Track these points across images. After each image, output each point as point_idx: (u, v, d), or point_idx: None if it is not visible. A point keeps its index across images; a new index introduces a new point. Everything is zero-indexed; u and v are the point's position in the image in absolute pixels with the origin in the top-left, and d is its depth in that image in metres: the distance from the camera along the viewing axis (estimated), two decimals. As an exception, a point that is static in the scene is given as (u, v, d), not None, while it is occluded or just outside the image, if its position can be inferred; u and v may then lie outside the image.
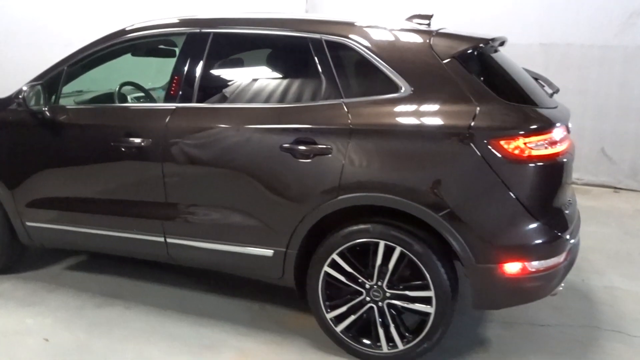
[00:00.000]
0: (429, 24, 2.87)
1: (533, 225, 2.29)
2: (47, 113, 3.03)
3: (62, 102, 3.15)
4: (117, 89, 3.36)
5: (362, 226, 2.47)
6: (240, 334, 2.82)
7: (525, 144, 2.25)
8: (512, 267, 2.30)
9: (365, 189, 2.41)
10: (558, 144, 2.36)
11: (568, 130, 2.56)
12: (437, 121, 2.35)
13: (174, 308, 3.10)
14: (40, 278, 3.48)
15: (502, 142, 2.24)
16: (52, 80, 3.10)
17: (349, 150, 2.42)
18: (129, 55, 3.29)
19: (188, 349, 2.69)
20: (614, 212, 5.16)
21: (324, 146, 2.46)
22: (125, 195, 2.97)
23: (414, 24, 2.75)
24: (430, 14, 2.94)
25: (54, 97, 3.11)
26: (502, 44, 2.82)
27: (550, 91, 2.95)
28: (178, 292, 3.30)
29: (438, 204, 2.30)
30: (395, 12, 6.79)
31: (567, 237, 2.41)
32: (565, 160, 2.42)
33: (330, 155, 2.45)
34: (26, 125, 3.13)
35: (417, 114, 2.39)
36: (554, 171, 2.37)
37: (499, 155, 2.24)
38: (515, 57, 6.30)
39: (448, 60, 2.41)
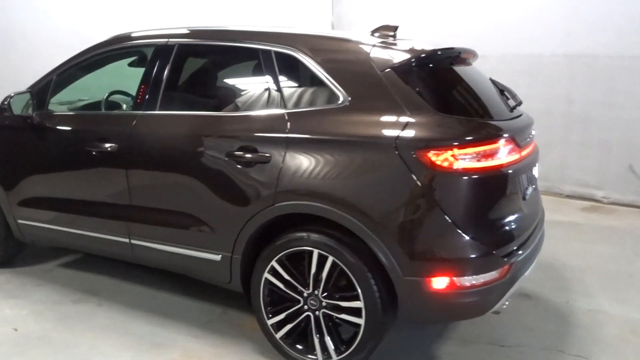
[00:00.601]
0: (394, 36, 2.86)
1: (460, 240, 2.22)
2: (34, 119, 3.27)
3: (52, 109, 3.38)
4: (105, 97, 3.56)
5: (298, 234, 2.49)
6: (191, 335, 2.90)
7: (453, 155, 2.19)
8: (439, 282, 2.24)
9: (298, 197, 2.43)
10: (497, 156, 2.28)
11: (521, 142, 2.47)
12: (367, 131, 2.34)
13: (142, 307, 3.23)
14: (33, 273, 3.72)
15: (429, 154, 2.20)
16: (42, 89, 3.35)
17: (286, 159, 2.46)
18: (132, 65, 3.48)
19: (138, 346, 2.80)
20: (633, 233, 4.85)
21: (264, 154, 2.51)
22: (97, 197, 3.14)
23: (362, 36, 2.73)
24: (396, 25, 2.92)
25: (43, 104, 3.34)
26: (458, 55, 2.74)
27: (513, 103, 2.86)
28: (151, 292, 3.43)
29: (364, 214, 2.29)
30: (417, 21, 6.78)
31: (504, 253, 2.32)
32: (509, 172, 2.35)
33: (269, 163, 2.50)
34: (17, 130, 3.39)
35: (350, 124, 2.39)
36: (488, 184, 2.29)
37: (426, 166, 2.20)
38: (538, 68, 6.12)
39: (385, 71, 2.40)
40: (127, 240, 3.06)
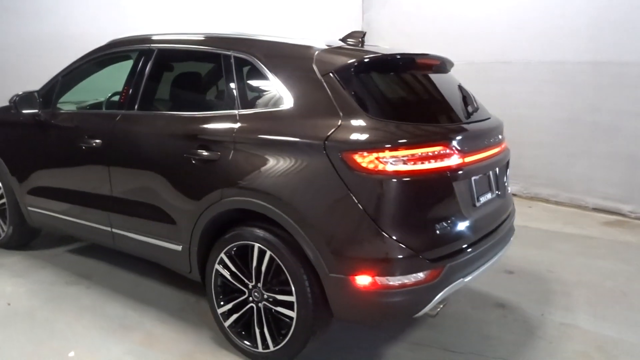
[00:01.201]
0: (360, 42, 2.94)
1: (383, 241, 2.26)
2: (41, 116, 3.62)
3: (57, 107, 3.72)
4: (107, 97, 3.87)
5: (243, 229, 2.62)
6: (159, 320, 3.10)
7: (378, 158, 2.25)
8: (362, 280, 2.29)
9: (241, 194, 2.57)
10: (426, 160, 2.31)
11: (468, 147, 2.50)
12: (302, 133, 2.43)
13: (124, 292, 3.48)
14: (41, 256, 4.09)
15: (354, 156, 2.27)
16: (48, 89, 3.70)
17: (232, 158, 2.61)
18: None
19: (107, 326, 3.03)
20: (647, 250, 4.60)
21: (215, 152, 2.68)
22: (85, 188, 3.43)
23: (315, 41, 2.79)
24: (363, 32, 3.00)
25: (49, 103, 3.69)
26: (406, 60, 2.78)
27: (472, 110, 2.86)
28: (138, 279, 3.68)
29: (296, 212, 2.39)
30: (442, 25, 6.73)
31: (433, 256, 2.34)
32: (443, 176, 2.37)
33: (218, 161, 2.66)
34: (26, 126, 3.76)
35: (290, 125, 2.50)
36: (415, 187, 2.31)
37: (351, 168, 2.27)
38: (562, 76, 5.94)
39: (326, 75, 2.49)
40: (109, 229, 3.32)
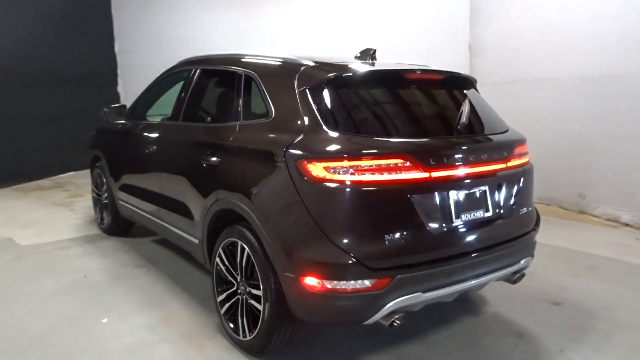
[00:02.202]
0: (371, 57, 3.08)
1: (326, 245, 2.37)
2: (126, 126, 4.39)
3: (138, 119, 4.46)
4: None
5: (234, 227, 2.94)
6: (183, 304, 3.54)
7: (326, 168, 2.38)
8: (310, 281, 2.42)
9: (228, 195, 2.90)
10: (382, 172, 2.38)
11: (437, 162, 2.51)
12: (272, 143, 2.66)
13: (172, 277, 4.01)
14: (129, 243, 4.88)
15: (306, 165, 2.43)
16: (135, 102, 4.47)
17: (226, 163, 2.96)
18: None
19: (143, 303, 3.55)
20: None
21: (217, 159, 3.05)
22: (148, 186, 4.06)
23: (303, 58, 2.95)
24: (374, 49, 3.12)
25: (133, 114, 4.45)
26: (388, 75, 2.86)
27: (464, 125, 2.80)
28: (189, 268, 4.21)
29: (260, 214, 2.63)
30: (550, 41, 6.30)
31: (381, 266, 2.38)
32: (398, 189, 2.41)
33: (218, 166, 3.03)
34: (117, 133, 4.57)
35: (267, 135, 2.75)
36: (361, 197, 2.37)
37: (303, 176, 2.44)
38: (621, 92, 5.36)
39: (301, 90, 2.69)
40: (160, 221, 3.90)
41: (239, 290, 2.95)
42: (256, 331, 2.76)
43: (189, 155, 3.38)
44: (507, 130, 3.12)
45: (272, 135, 2.72)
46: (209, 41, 8.95)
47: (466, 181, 2.67)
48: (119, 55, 9.63)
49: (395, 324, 2.52)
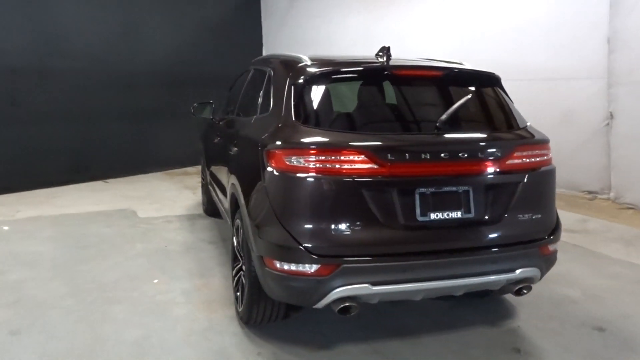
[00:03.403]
0: (382, 55, 3.17)
1: (278, 228, 2.57)
2: (213, 121, 5.04)
3: (221, 114, 5.07)
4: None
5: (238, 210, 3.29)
6: (223, 277, 3.99)
7: (281, 156, 2.59)
8: (269, 261, 2.64)
9: (232, 178, 3.27)
10: (334, 164, 2.51)
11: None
12: (258, 133, 2.94)
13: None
14: (218, 223, 5.53)
15: (269, 153, 2.67)
16: (224, 100, 5.10)
17: (237, 153, 3.33)
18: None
19: (193, 271, 4.11)
20: None
21: (235, 149, 3.44)
22: (221, 175, 4.60)
23: (304, 57, 3.13)
24: (388, 46, 3.19)
25: (219, 110, 5.08)
26: (372, 71, 2.92)
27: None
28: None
29: (243, 198, 2.94)
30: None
31: (325, 253, 2.50)
32: (347, 180, 2.50)
33: (234, 155, 3.42)
34: (209, 127, 5.26)
35: (259, 126, 3.04)
36: (310, 186, 2.51)
37: (268, 163, 2.68)
38: None
39: (289, 87, 2.91)
40: (221, 206, 4.44)
41: (243, 267, 3.29)
42: (243, 302, 3.08)
43: (227, 146, 3.83)
44: (520, 130, 2.91)
45: (262, 127, 3.00)
46: (340, 42, 9.42)
47: (439, 180, 2.61)
48: (266, 59, 10.67)
49: (347, 312, 2.60)
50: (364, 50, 8.19)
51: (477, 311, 3.44)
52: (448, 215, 2.63)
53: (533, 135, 2.93)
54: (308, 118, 2.73)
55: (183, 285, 3.85)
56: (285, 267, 2.58)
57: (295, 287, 2.61)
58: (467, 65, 3.19)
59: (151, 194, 7.06)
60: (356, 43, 9.16)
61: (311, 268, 2.53)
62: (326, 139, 2.58)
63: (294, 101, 2.82)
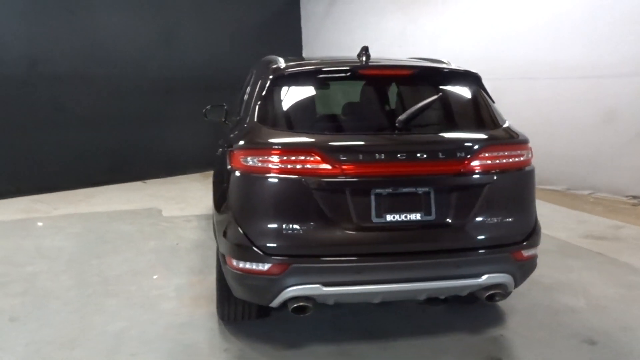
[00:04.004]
0: (363, 55, 3.15)
1: (233, 226, 2.62)
2: (225, 123, 5.17)
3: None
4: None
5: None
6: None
7: (238, 156, 2.63)
8: (229, 260, 2.69)
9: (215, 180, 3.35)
10: (285, 164, 2.53)
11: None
12: (229, 136, 3.01)
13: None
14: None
15: (230, 154, 2.73)
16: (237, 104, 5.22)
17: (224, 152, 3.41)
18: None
19: (192, 268, 4.25)
20: None
21: (220, 150, 3.54)
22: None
23: (283, 59, 3.15)
24: (365, 46, 3.16)
25: (231, 113, 5.20)
26: (331, 72, 2.92)
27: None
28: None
29: (214, 196, 3.01)
30: None
31: (275, 252, 2.52)
32: (296, 179, 2.51)
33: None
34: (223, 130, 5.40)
35: (232, 130, 3.11)
36: (261, 186, 2.56)
37: (230, 162, 2.74)
38: None
39: (259, 88, 2.94)
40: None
41: None
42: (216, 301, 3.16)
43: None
44: (495, 129, 2.80)
45: (235, 130, 3.06)
46: (376, 45, 9.36)
47: (396, 181, 2.56)
48: (306, 63, 10.80)
49: (301, 312, 2.61)
50: (400, 51, 8.11)
51: (464, 317, 3.33)
52: (406, 217, 2.57)
53: (510, 136, 2.81)
54: (272, 120, 2.76)
55: (179, 281, 3.99)
56: (241, 265, 2.62)
57: (251, 285, 2.64)
58: (449, 65, 3.10)
59: (181, 194, 7.33)
60: (392, 45, 9.07)
61: (264, 267, 2.55)
62: (281, 140, 2.60)
63: (260, 103, 2.85)
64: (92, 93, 7.78)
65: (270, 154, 2.55)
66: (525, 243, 2.72)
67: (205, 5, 9.11)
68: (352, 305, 3.35)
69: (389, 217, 2.56)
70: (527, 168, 2.79)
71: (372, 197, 2.55)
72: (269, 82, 2.88)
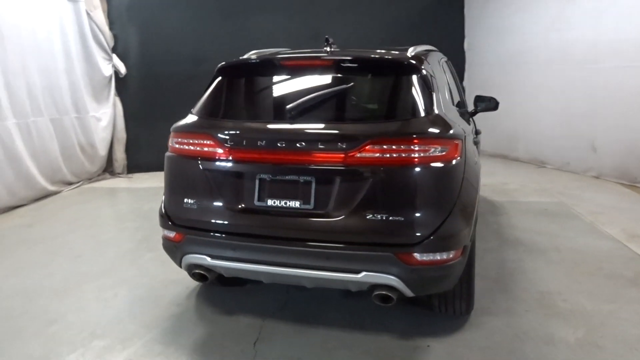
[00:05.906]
0: (325, 46, 3.25)
1: (163, 199, 3.05)
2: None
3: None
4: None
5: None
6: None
7: (170, 139, 3.03)
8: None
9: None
10: (189, 146, 2.86)
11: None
12: None
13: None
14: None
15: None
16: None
17: None
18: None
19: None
20: None
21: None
22: None
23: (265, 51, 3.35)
24: (328, 37, 3.22)
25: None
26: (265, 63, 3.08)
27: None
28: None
29: None
30: None
31: (175, 221, 2.89)
32: (194, 162, 2.80)
33: None
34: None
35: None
36: (172, 164, 2.92)
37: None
38: None
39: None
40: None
41: None
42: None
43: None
44: (403, 122, 2.63)
45: None
46: (533, 28, 8.42)
47: (277, 168, 2.65)
48: (467, 52, 10.28)
49: (201, 279, 2.94)
50: (557, 35, 7.21)
51: (405, 322, 3.12)
52: (286, 203, 2.64)
53: (421, 130, 2.57)
54: (201, 109, 3.02)
55: (162, 276, 3.99)
56: (163, 232, 3.04)
57: (167, 248, 3.04)
58: (403, 55, 2.93)
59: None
60: (548, 29, 8.04)
61: (171, 234, 2.93)
62: (186, 125, 2.93)
63: (204, 95, 3.15)
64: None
65: (176, 137, 2.92)
66: (417, 246, 2.50)
67: (356, -2, 9.49)
68: (314, 290, 3.33)
69: (269, 202, 2.66)
70: (436, 165, 2.52)
71: (257, 182, 2.68)
72: (215, 74, 3.19)
